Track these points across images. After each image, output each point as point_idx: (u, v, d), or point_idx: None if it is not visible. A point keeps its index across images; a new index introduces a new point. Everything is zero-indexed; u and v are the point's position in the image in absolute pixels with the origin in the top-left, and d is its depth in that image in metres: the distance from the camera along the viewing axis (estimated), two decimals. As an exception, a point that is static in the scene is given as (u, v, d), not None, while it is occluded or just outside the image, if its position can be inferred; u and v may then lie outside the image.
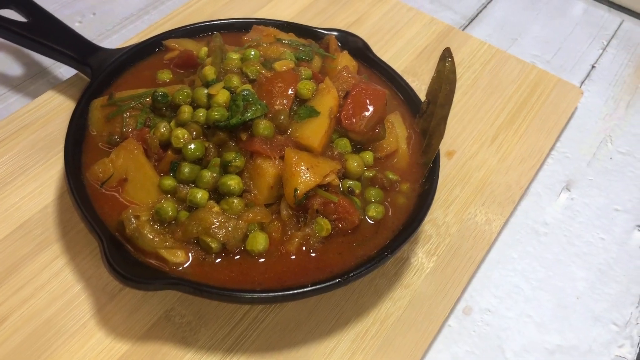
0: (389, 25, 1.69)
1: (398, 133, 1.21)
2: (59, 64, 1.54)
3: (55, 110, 1.37)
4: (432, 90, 1.24)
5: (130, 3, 1.72)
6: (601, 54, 1.78)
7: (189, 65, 1.30)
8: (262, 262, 1.04)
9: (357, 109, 1.14)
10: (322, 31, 1.41)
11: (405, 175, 1.19)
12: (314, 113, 1.11)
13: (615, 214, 1.42)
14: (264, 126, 1.06)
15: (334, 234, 1.08)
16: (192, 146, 1.08)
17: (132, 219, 1.02)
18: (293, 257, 1.05)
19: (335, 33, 1.38)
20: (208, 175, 1.06)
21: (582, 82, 1.70)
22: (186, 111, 1.13)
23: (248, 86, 1.12)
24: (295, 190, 1.04)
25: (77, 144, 1.15)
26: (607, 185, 1.47)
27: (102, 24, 1.65)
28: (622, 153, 1.55)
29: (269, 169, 1.05)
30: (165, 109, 1.17)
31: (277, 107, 1.11)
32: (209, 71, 1.14)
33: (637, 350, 1.20)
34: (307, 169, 1.05)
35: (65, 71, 1.52)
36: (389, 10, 1.73)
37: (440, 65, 1.23)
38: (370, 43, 1.44)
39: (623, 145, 1.56)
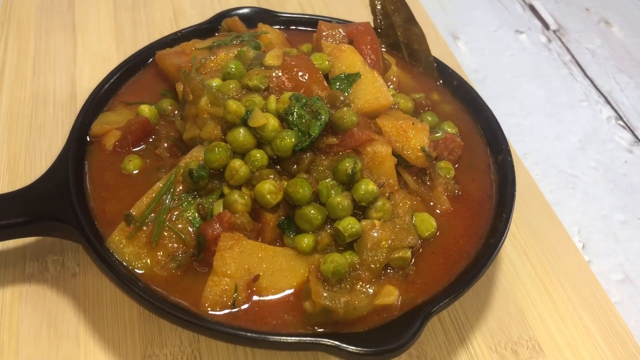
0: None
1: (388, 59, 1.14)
2: None
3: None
4: (379, 4, 1.18)
5: None
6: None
7: (148, 134, 0.99)
8: (445, 233, 0.93)
9: (372, 51, 1.03)
10: (208, 24, 1.20)
11: (422, 88, 1.14)
12: (354, 77, 0.97)
13: (501, 32, 1.59)
14: (349, 114, 0.89)
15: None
16: (300, 189, 0.86)
17: (330, 295, 0.79)
18: (451, 209, 0.96)
19: (235, 15, 1.18)
20: (343, 201, 0.86)
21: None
22: (240, 166, 0.88)
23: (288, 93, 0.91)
24: (423, 148, 0.93)
25: (153, 295, 0.81)
26: (475, 20, 1.62)
27: None
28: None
29: (385, 150, 0.90)
30: (209, 182, 0.89)
31: (322, 94, 0.94)
32: (235, 106, 0.88)
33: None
34: (413, 123, 0.94)
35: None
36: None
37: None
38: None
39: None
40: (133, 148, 0.98)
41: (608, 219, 1.21)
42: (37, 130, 1.17)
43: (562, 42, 1.59)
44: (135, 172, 0.95)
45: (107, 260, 0.82)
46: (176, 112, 1.02)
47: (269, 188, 0.86)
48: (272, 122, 0.88)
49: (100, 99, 1.03)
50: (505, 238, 0.91)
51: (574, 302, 1.02)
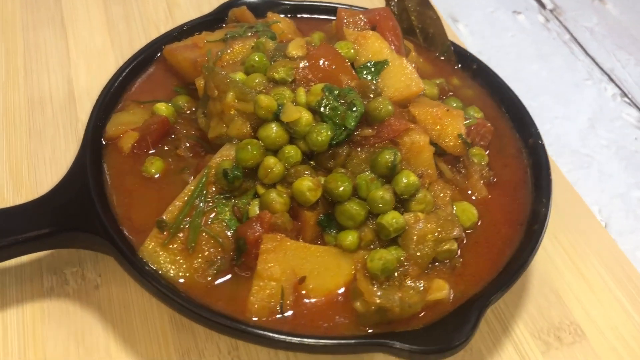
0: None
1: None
2: None
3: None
4: (391, -11, 1.14)
5: None
6: None
7: (167, 133, 0.94)
8: (486, 222, 0.90)
9: (395, 37, 1.00)
10: (213, 15, 1.14)
11: (440, 73, 1.11)
12: (382, 65, 0.94)
13: (499, 13, 1.57)
14: (385, 104, 0.86)
15: (485, 155, 0.99)
16: (340, 184, 0.82)
17: (384, 293, 0.76)
18: (489, 197, 0.94)
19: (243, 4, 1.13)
20: (385, 194, 0.83)
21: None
22: (274, 163, 0.83)
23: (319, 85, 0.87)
24: (460, 135, 0.90)
25: (199, 306, 0.77)
26: (472, 2, 1.60)
27: None
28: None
29: (423, 139, 0.87)
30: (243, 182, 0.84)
31: (352, 84, 0.90)
32: (268, 100, 0.83)
33: None
34: (447, 110, 0.91)
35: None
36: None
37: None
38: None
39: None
40: (152, 149, 0.92)
41: (626, 196, 1.21)
42: (37, 134, 1.10)
43: (560, 21, 1.58)
44: (157, 174, 0.90)
45: (145, 270, 0.77)
46: (194, 108, 0.97)
47: (308, 185, 0.81)
48: (306, 116, 0.84)
49: (110, 99, 0.97)
50: (547, 224, 0.89)
51: (608, 283, 1.01)
